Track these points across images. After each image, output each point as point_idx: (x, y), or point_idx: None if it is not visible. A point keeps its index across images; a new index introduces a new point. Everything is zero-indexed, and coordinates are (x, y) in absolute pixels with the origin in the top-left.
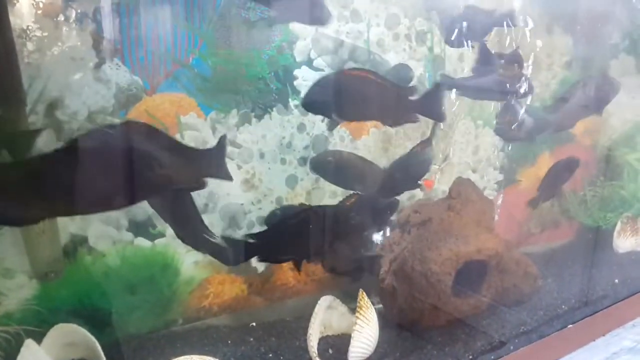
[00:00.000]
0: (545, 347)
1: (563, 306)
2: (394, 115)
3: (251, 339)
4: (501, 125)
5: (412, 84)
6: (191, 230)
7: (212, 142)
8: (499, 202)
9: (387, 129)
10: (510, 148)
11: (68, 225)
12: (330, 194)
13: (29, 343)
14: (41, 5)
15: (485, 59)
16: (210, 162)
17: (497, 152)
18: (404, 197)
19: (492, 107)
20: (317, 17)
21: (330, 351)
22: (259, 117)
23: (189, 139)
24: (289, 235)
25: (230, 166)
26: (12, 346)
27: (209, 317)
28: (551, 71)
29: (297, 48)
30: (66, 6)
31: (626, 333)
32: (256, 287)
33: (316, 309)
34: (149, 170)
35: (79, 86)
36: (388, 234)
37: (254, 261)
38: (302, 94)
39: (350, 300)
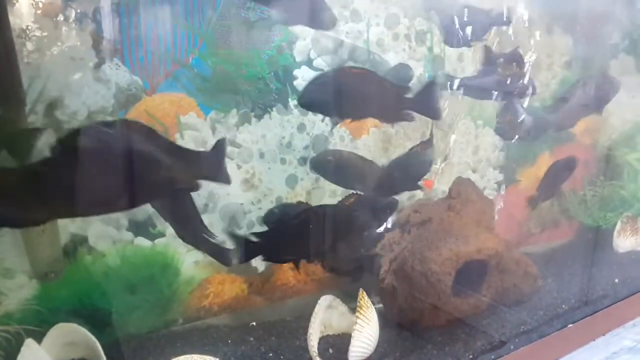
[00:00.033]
0: (546, 347)
1: (563, 306)
2: (389, 112)
3: (251, 339)
4: (501, 124)
5: (411, 83)
6: (191, 229)
7: (212, 142)
8: (499, 201)
9: (387, 129)
10: (510, 148)
11: (68, 225)
12: (330, 194)
13: (30, 342)
14: (41, 5)
15: (489, 59)
16: (206, 165)
17: (497, 152)
18: (404, 197)
19: (492, 106)
20: (323, 21)
21: (331, 351)
22: (259, 117)
23: (189, 138)
24: (294, 236)
25: (230, 166)
26: (13, 346)
27: (209, 317)
28: (551, 71)
29: (297, 48)
30: (66, 6)
31: (626, 333)
32: (256, 286)
33: (316, 309)
34: (139, 169)
35: (78, 86)
36: (388, 233)
37: (254, 261)
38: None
39: (350, 300)
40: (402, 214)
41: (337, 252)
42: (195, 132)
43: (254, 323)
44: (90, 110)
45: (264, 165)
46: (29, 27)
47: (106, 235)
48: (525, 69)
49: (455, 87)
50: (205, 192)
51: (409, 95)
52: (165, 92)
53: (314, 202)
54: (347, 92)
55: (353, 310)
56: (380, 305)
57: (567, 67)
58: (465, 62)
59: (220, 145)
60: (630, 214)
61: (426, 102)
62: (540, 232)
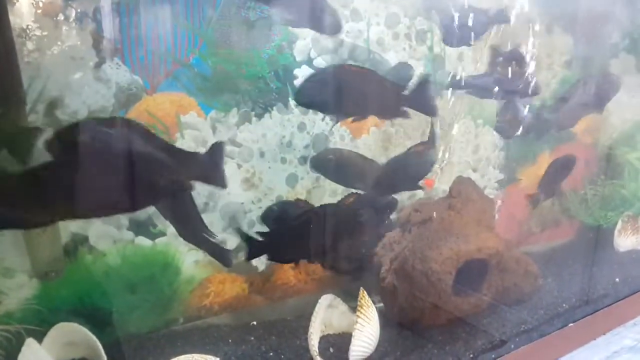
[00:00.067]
0: (546, 346)
1: (564, 305)
2: (385, 109)
3: (252, 338)
4: (502, 123)
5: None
6: (191, 228)
7: (212, 142)
8: (500, 201)
9: (387, 128)
10: (510, 147)
11: (68, 225)
12: (330, 193)
13: (30, 342)
14: (41, 4)
15: (496, 58)
16: (201, 166)
17: (498, 151)
18: (404, 196)
19: (493, 105)
20: (329, 26)
21: (331, 350)
22: (259, 116)
23: (189, 138)
24: (299, 236)
25: (231, 165)
26: (13, 345)
27: (210, 316)
28: (551, 70)
29: (297, 47)
30: (66, 5)
31: (627, 332)
32: (257, 286)
33: (317, 308)
34: (131, 167)
35: (79, 85)
36: (388, 232)
37: (254, 260)
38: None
39: (351, 299)
40: (402, 213)
41: (347, 251)
42: (195, 132)
43: (255, 322)
44: (91, 109)
45: (264, 165)
46: (29, 27)
47: (107, 235)
48: (530, 69)
49: (461, 85)
50: (205, 191)
51: (405, 92)
52: (166, 92)
53: (315, 202)
54: (345, 90)
55: (354, 309)
56: (381, 304)
57: (567, 66)
58: (465, 62)
59: (217, 148)
60: (631, 213)
61: (422, 99)
62: (541, 231)
